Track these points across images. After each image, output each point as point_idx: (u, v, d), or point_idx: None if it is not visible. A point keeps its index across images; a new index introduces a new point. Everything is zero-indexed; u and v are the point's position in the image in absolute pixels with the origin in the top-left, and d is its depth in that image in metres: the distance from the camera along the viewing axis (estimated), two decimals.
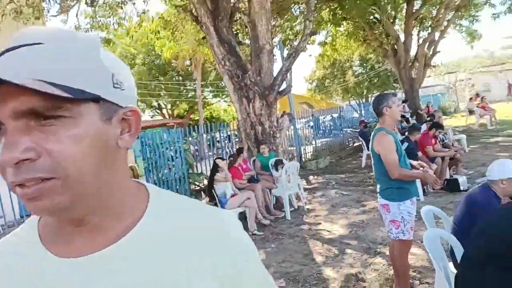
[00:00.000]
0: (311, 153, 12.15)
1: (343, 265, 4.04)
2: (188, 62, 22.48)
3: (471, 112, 15.41)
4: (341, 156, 12.50)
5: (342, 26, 17.85)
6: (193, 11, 8.25)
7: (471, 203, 2.83)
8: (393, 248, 3.26)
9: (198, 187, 8.19)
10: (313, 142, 12.93)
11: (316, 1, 12.16)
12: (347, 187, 7.80)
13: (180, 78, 26.50)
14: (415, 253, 3.85)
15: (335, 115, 15.93)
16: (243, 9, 8.83)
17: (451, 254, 2.80)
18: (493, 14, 16.75)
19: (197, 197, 7.58)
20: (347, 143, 14.23)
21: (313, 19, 11.36)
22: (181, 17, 12.00)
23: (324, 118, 16.02)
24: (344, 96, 31.58)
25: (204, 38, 8.90)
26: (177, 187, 7.00)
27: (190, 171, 7.82)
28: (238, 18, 10.32)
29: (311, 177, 9.39)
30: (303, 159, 11.51)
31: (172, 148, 7.16)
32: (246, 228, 5.49)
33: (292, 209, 6.52)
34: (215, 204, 6.01)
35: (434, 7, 17.04)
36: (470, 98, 17.02)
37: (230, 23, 8.13)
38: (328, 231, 5.27)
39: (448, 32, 18.51)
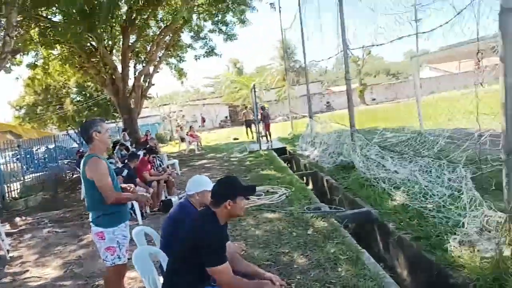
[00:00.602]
0: (19, 190, 10.36)
1: None
2: None
3: (182, 139, 17.55)
4: (58, 191, 11.30)
5: (55, 49, 16.52)
6: None
7: (173, 218, 3.17)
8: (109, 276, 3.18)
9: None
10: (22, 178, 11.09)
11: (20, 17, 10.75)
12: (63, 223, 7.08)
13: None
14: (132, 276, 3.90)
15: (51, 146, 14.36)
16: None
17: (161, 268, 3.01)
18: (195, 56, 19.89)
19: None
20: (65, 176, 13.03)
21: (16, 37, 9.91)
22: None
23: (37, 149, 14.09)
24: (61, 125, 28.93)
25: None
26: None
27: None
28: None
29: (18, 219, 7.97)
30: (8, 198, 9.64)
31: None
32: None
33: None
34: None
35: (148, 43, 18.53)
36: (181, 128, 19.38)
37: None
38: (38, 277, 4.57)
39: (161, 68, 20.56)
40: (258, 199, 6.47)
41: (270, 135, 15.77)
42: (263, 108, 16.85)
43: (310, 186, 8.62)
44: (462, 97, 6.24)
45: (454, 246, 3.36)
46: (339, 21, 7.50)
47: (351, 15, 7.63)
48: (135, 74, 18.14)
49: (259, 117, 15.75)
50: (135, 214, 6.15)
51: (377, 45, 6.56)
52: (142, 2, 15.08)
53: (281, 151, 12.87)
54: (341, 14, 7.45)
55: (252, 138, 18.75)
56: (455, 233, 3.55)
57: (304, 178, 9.19)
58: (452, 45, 6.03)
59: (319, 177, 8.33)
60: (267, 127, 15.82)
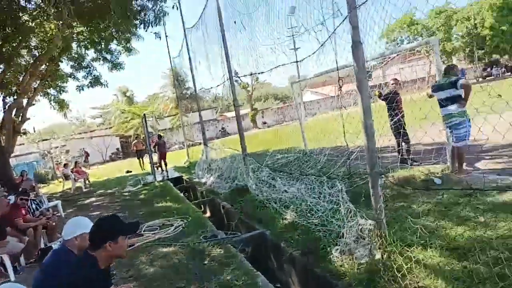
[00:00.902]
0: None
1: None
2: None
3: (67, 177, 15.93)
4: None
5: None
6: None
7: (46, 267, 2.80)
8: None
9: None
10: None
11: None
12: None
13: None
14: None
15: None
16: None
17: None
18: (78, 86, 18.42)
19: None
20: None
21: None
22: None
23: None
24: None
25: None
26: None
27: None
28: None
29: None
30: None
31: None
32: None
33: None
34: None
35: (19, 73, 16.61)
36: (65, 165, 17.64)
37: None
38: None
39: (38, 100, 18.54)
40: (152, 234, 6.16)
41: (166, 165, 15.33)
42: (159, 136, 16.37)
43: (208, 214, 8.56)
44: (336, 118, 6.96)
45: (336, 256, 3.65)
46: (223, 50, 7.80)
47: (235, 44, 8.01)
48: (4, 108, 16.01)
49: (152, 146, 15.29)
50: (5, 270, 5.30)
51: (260, 73, 6.99)
52: (11, 28, 13.57)
53: (177, 181, 12.59)
54: (225, 43, 7.77)
55: (144, 169, 18.00)
56: (337, 244, 3.85)
57: (202, 206, 9.10)
58: (320, 73, 6.75)
59: (216, 203, 8.33)
60: (163, 157, 15.36)
